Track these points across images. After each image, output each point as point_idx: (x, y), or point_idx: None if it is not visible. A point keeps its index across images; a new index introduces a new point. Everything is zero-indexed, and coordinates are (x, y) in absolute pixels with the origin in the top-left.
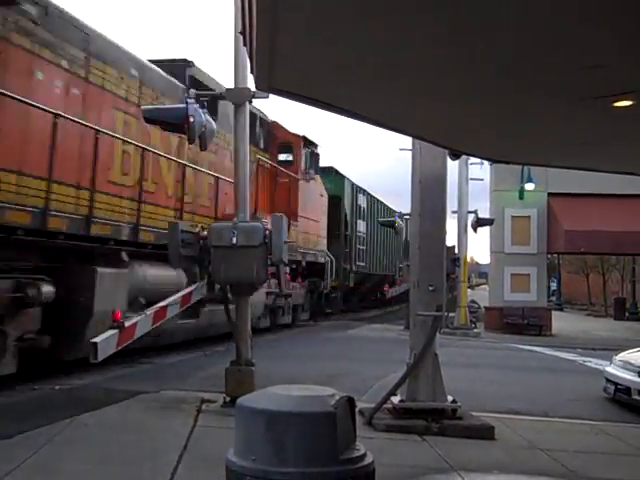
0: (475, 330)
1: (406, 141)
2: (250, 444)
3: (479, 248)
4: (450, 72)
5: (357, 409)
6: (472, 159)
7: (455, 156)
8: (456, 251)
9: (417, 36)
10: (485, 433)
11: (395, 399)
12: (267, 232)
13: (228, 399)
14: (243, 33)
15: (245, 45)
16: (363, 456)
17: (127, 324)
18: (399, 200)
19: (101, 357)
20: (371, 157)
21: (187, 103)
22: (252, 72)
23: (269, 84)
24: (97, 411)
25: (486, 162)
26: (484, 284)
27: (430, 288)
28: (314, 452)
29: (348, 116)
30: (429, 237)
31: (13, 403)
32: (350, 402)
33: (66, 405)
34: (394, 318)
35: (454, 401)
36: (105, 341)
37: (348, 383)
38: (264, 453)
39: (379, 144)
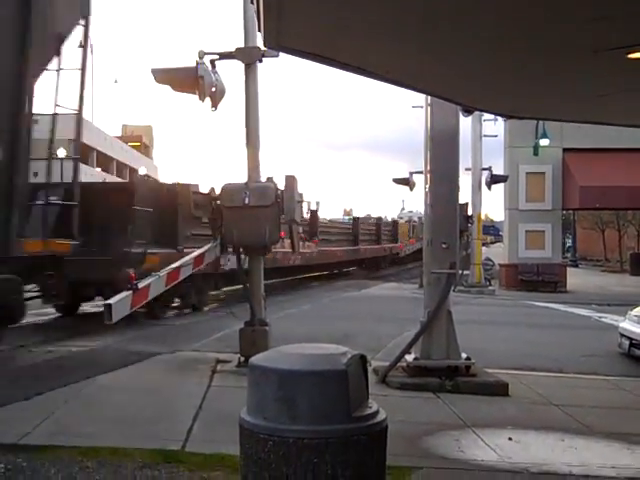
0: (490, 288)
1: (419, 98)
2: (262, 403)
3: (493, 205)
4: (462, 27)
5: (371, 367)
6: (486, 115)
7: (467, 112)
8: (469, 208)
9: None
10: (499, 390)
11: (409, 357)
12: (279, 192)
13: (242, 359)
14: None
15: (252, 2)
16: (376, 413)
17: (140, 285)
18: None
19: (116, 319)
20: (386, 115)
21: (197, 63)
22: (260, 30)
23: (278, 42)
24: (113, 372)
25: (500, 118)
26: (498, 242)
27: (443, 246)
28: (326, 410)
29: (359, 74)
30: (441, 194)
31: (30, 365)
32: (362, 360)
33: (82, 366)
34: (409, 276)
35: (468, 358)
36: (119, 302)
37: (363, 342)
38: (276, 411)
39: (393, 102)
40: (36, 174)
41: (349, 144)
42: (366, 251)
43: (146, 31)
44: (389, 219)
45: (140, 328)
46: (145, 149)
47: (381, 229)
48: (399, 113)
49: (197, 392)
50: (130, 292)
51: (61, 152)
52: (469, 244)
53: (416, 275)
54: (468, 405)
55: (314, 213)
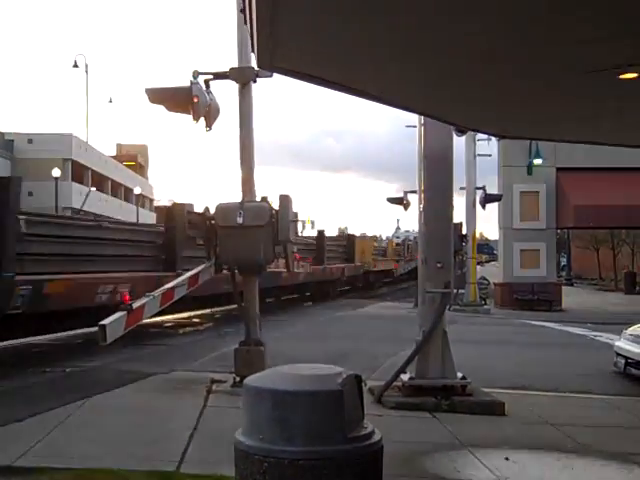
0: (485, 306)
1: (413, 118)
2: (257, 423)
3: (488, 224)
4: (455, 50)
5: (367, 387)
6: (480, 135)
7: (461, 132)
8: (464, 227)
9: (419, 18)
10: (495, 409)
11: (405, 377)
12: (273, 211)
13: (238, 379)
14: (243, 11)
15: (246, 24)
16: (371, 434)
17: (135, 305)
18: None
19: (110, 339)
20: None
21: (191, 83)
22: (253, 51)
23: (271, 62)
24: (108, 393)
25: (494, 138)
26: (493, 261)
27: (438, 265)
28: (321, 431)
29: (352, 94)
30: (435, 214)
31: (25, 386)
32: (358, 380)
33: (77, 387)
34: (404, 295)
35: (464, 377)
36: (113, 323)
37: (358, 361)
38: (271, 432)
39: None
40: (30, 193)
41: (344, 164)
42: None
43: (141, 51)
44: (384, 238)
45: (136, 348)
46: (140, 168)
47: (324, 245)
48: (393, 133)
49: (192, 413)
50: (124, 312)
51: (56, 172)
52: (464, 263)
53: (412, 294)
54: (464, 425)
55: (321, 234)
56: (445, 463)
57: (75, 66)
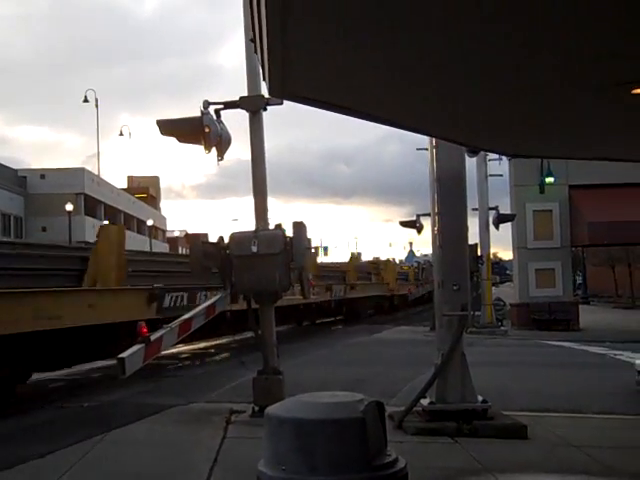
0: (502, 328)
1: (423, 140)
2: (279, 453)
3: (501, 244)
4: (467, 72)
5: (387, 413)
6: (491, 155)
7: (473, 153)
8: (478, 249)
9: (431, 42)
10: (518, 432)
11: (425, 401)
12: (288, 239)
13: (257, 409)
14: (254, 40)
15: (256, 52)
16: (395, 461)
17: (153, 338)
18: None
19: (129, 372)
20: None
21: (202, 114)
22: (265, 79)
23: (283, 90)
24: (127, 427)
25: (504, 157)
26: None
27: (454, 287)
28: (344, 459)
29: (363, 118)
30: (450, 236)
31: (44, 422)
32: (379, 407)
33: (96, 422)
34: (419, 319)
35: (484, 401)
36: (132, 356)
37: (377, 387)
38: (294, 462)
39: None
40: (44, 229)
41: (354, 190)
42: None
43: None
44: (397, 261)
45: (154, 381)
46: (152, 200)
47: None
48: (404, 155)
49: (212, 444)
50: (142, 345)
51: (68, 206)
52: (479, 285)
53: (426, 318)
54: (487, 449)
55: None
56: None
57: (85, 101)
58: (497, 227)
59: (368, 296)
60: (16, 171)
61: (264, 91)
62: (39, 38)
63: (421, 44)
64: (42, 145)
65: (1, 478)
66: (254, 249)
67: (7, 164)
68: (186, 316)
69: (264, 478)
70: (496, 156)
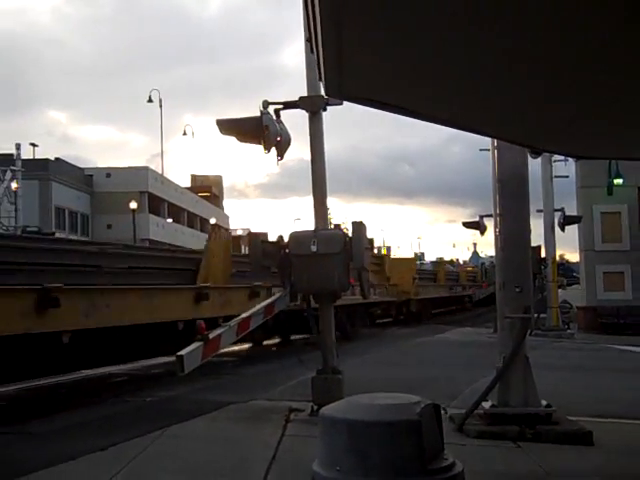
0: (568, 331)
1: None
2: (334, 454)
3: (568, 246)
4: (537, 72)
5: (448, 415)
6: (556, 156)
7: (536, 154)
8: (542, 251)
9: (494, 43)
10: (583, 438)
11: (486, 404)
12: (347, 239)
13: (316, 407)
14: (310, 40)
15: (313, 52)
16: (452, 465)
17: (211, 336)
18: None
19: (187, 370)
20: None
21: (262, 113)
22: (321, 79)
23: (339, 91)
24: (187, 422)
25: (570, 159)
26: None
27: (517, 290)
28: (399, 462)
29: (424, 119)
30: (512, 238)
31: (106, 416)
32: (436, 409)
33: (156, 417)
34: (482, 321)
35: (548, 405)
36: (191, 354)
37: (438, 388)
38: (348, 463)
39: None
40: (109, 226)
41: (417, 190)
42: None
43: (214, 83)
44: (461, 263)
45: (213, 377)
46: (215, 199)
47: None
48: (467, 155)
49: (270, 442)
50: (201, 343)
51: (133, 205)
52: (544, 287)
53: (490, 319)
54: (551, 455)
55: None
56: None
57: (149, 101)
58: (562, 229)
59: (430, 298)
60: (83, 170)
61: (323, 91)
62: (104, 40)
63: (485, 43)
64: (107, 144)
65: (63, 470)
66: (313, 248)
67: (74, 163)
68: (245, 314)
69: (319, 478)
70: (562, 157)
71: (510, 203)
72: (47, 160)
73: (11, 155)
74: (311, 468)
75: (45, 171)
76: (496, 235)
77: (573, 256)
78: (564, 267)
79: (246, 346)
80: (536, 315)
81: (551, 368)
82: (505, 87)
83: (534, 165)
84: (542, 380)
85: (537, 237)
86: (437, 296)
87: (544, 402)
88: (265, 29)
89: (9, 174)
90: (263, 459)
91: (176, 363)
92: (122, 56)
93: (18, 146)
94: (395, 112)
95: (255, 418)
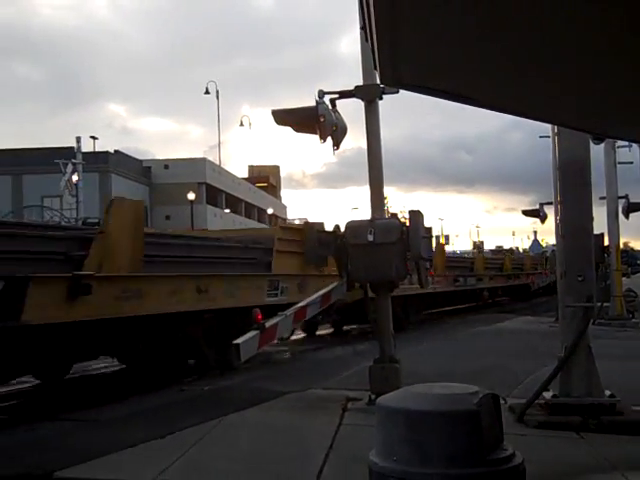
0: (633, 320)
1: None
2: (390, 444)
3: (632, 233)
4: (601, 57)
5: (508, 405)
6: (620, 142)
7: (599, 140)
8: (605, 239)
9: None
10: None
11: (547, 394)
12: (404, 228)
13: (373, 397)
14: (364, 28)
15: (367, 41)
16: (511, 456)
17: (268, 325)
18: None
19: (244, 358)
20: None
21: (317, 103)
22: (376, 68)
23: (394, 79)
24: (244, 411)
25: (635, 144)
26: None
27: (579, 278)
28: (457, 452)
29: (481, 107)
30: (573, 226)
31: (164, 404)
32: (495, 399)
33: (214, 405)
34: (543, 310)
35: (612, 395)
36: (247, 342)
37: (497, 378)
38: (405, 453)
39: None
40: (168, 217)
41: (476, 178)
42: None
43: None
44: (520, 251)
45: (269, 367)
46: (272, 189)
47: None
48: (527, 142)
49: (327, 431)
50: (257, 332)
51: (191, 195)
52: (607, 275)
53: (552, 308)
54: (615, 446)
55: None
56: None
57: (207, 92)
58: (627, 216)
59: (493, 287)
60: (141, 162)
61: (379, 80)
62: (161, 32)
63: (549, 27)
64: (165, 136)
65: (122, 456)
66: (370, 238)
67: (132, 155)
68: (302, 303)
69: (375, 468)
70: (626, 143)
71: (571, 190)
72: (107, 153)
73: (72, 148)
74: (368, 457)
75: (105, 163)
76: (557, 223)
77: (638, 244)
78: (628, 255)
79: (301, 336)
80: (599, 304)
81: (615, 357)
82: (569, 72)
83: (597, 151)
84: (605, 370)
85: (600, 225)
86: (503, 285)
87: (607, 392)
88: (321, 18)
89: (70, 167)
90: (320, 448)
91: (232, 352)
92: (180, 48)
93: (78, 139)
94: (452, 100)
95: (312, 407)
